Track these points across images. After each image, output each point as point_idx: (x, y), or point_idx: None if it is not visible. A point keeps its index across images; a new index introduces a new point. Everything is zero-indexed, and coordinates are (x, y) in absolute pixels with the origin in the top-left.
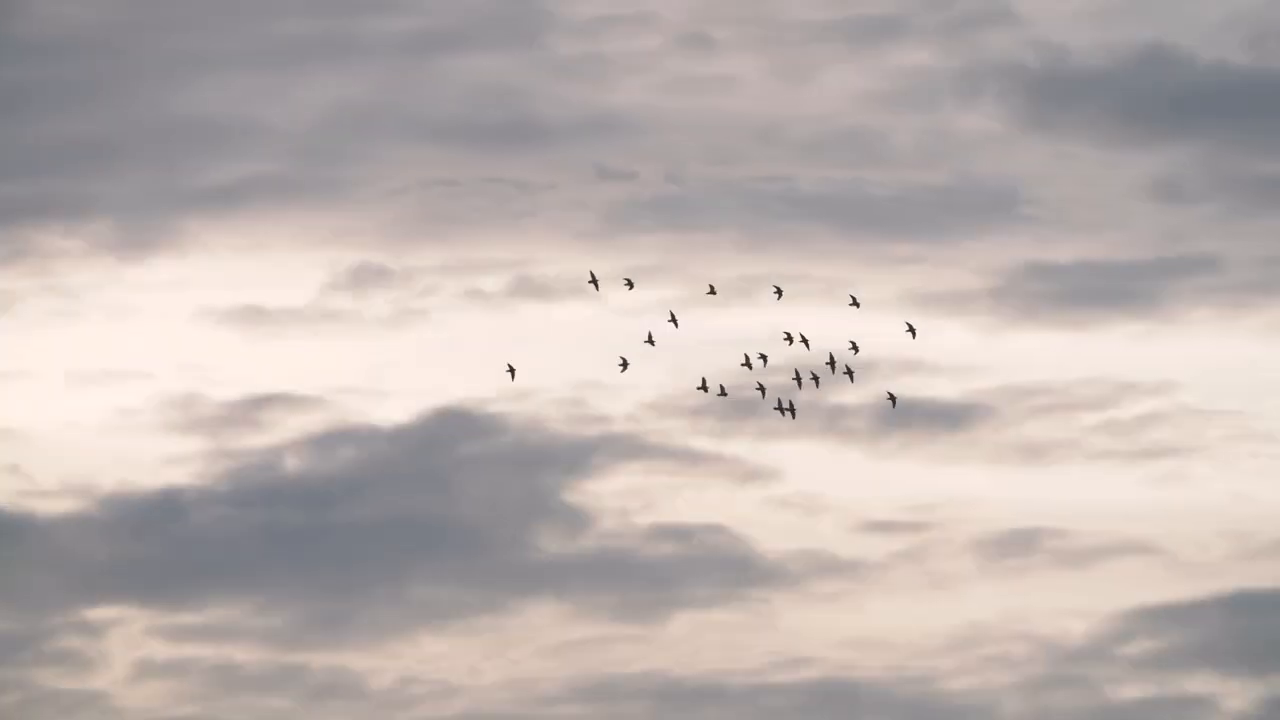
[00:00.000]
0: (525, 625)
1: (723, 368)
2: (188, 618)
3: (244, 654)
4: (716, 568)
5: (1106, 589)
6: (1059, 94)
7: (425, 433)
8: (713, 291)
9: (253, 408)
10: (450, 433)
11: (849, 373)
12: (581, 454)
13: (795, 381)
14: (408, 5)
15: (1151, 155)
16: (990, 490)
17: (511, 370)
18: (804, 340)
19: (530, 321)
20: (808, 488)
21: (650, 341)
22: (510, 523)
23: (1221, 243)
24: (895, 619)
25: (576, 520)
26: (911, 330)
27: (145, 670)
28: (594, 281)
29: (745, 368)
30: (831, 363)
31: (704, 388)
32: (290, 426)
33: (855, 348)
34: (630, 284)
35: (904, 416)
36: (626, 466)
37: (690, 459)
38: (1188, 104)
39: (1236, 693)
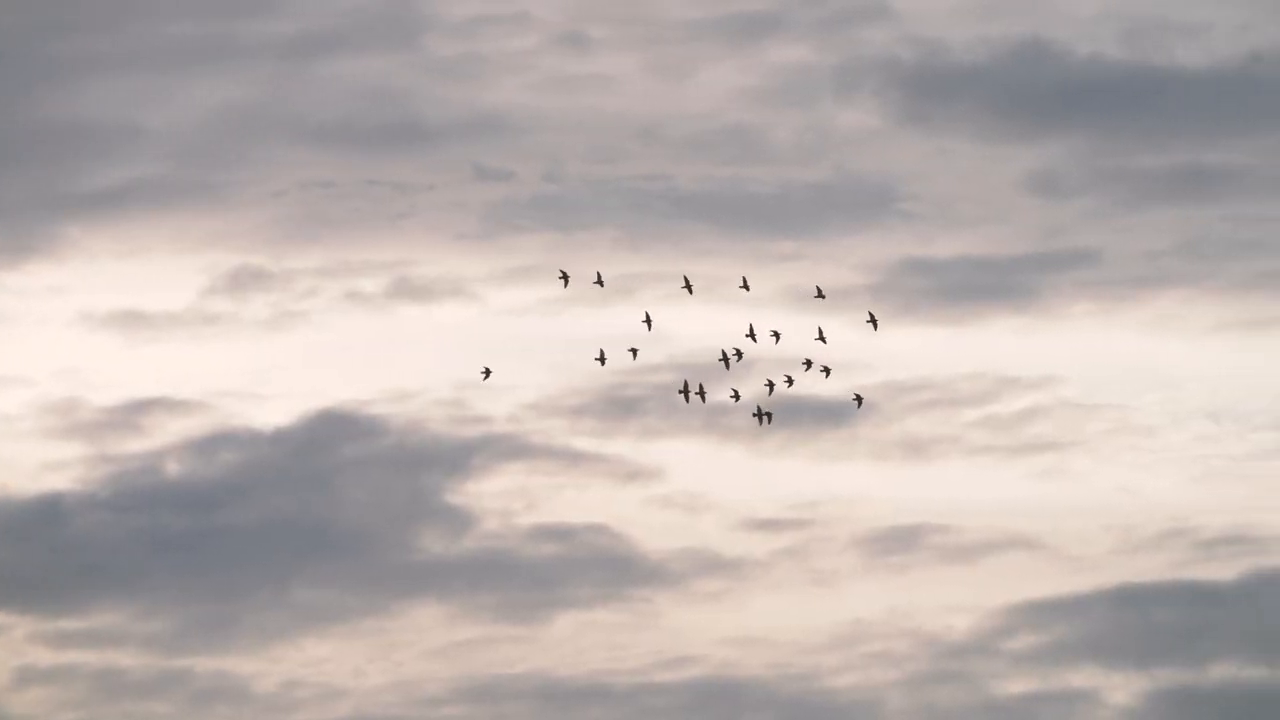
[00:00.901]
0: (409, 627)
1: (600, 367)
2: (70, 624)
3: (127, 659)
4: (599, 567)
5: (990, 584)
6: (937, 89)
7: (306, 435)
8: (599, 282)
9: (133, 412)
10: (331, 435)
11: (825, 371)
12: (463, 455)
13: (768, 385)
14: (285, 8)
15: (1030, 150)
16: (872, 487)
17: (486, 372)
18: (775, 335)
19: (410, 323)
20: (689, 486)
21: (633, 350)
22: (392, 524)
23: (1101, 237)
24: (778, 617)
25: (458, 521)
26: (822, 337)
27: (27, 677)
28: (564, 278)
29: (721, 363)
30: (808, 364)
31: (684, 391)
32: (171, 430)
33: (822, 337)
34: (600, 281)
35: (785, 414)
36: (508, 467)
37: (571, 459)
38: (1065, 98)
39: (1120, 686)
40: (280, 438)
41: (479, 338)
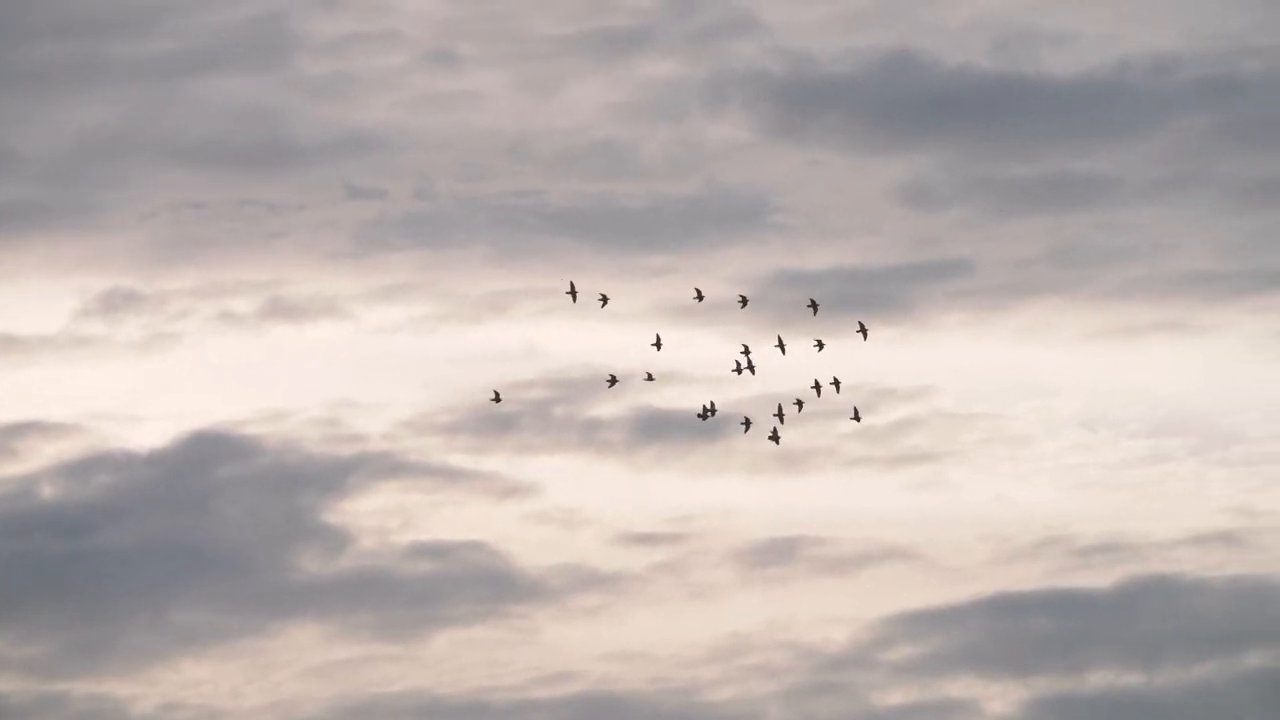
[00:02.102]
0: (287, 647)
1: (475, 383)
2: None
3: (3, 684)
4: (477, 585)
5: (867, 595)
6: (807, 101)
7: (181, 456)
8: (604, 301)
9: (7, 436)
10: (207, 456)
11: (835, 384)
12: (338, 474)
13: (777, 416)
14: (155, 29)
15: (901, 160)
16: (749, 500)
17: (658, 341)
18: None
19: (284, 342)
20: (566, 502)
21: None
22: (269, 545)
23: (973, 246)
24: (657, 631)
25: (335, 540)
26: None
27: None
28: (572, 293)
29: (735, 373)
30: (817, 387)
31: (705, 414)
32: (45, 454)
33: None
34: (604, 300)
35: (660, 427)
36: (384, 485)
37: (448, 476)
38: (935, 109)
39: (998, 695)
40: (155, 459)
41: (353, 356)
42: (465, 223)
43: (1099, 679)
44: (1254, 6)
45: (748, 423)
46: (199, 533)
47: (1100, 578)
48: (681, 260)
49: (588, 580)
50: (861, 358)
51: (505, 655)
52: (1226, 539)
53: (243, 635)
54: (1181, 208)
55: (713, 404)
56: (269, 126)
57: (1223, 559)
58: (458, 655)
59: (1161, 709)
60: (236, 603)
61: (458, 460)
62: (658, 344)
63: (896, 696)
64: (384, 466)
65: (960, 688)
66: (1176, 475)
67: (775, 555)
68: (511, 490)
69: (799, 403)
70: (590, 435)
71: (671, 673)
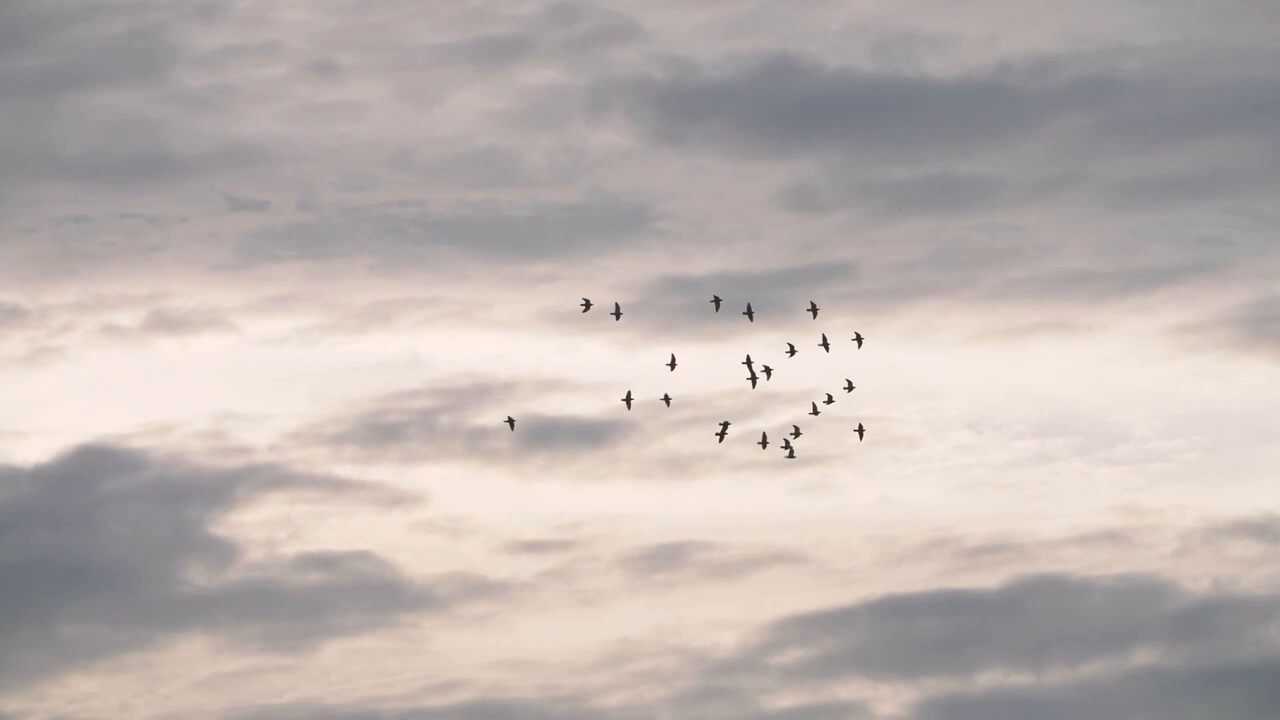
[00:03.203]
0: (175, 660)
1: (360, 394)
2: None
3: None
4: (365, 594)
5: (756, 599)
6: (688, 108)
7: (66, 471)
8: (617, 314)
9: None
10: (92, 470)
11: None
12: (225, 486)
13: (793, 432)
14: (33, 43)
15: (783, 165)
16: (636, 506)
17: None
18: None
19: (168, 355)
20: (453, 510)
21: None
22: (156, 558)
23: (856, 249)
24: (546, 638)
25: (223, 553)
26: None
27: None
28: (586, 305)
29: (749, 381)
30: (829, 399)
31: (764, 443)
32: None
33: (850, 386)
34: (618, 313)
35: (547, 435)
36: (271, 497)
37: (334, 486)
38: (816, 113)
39: (888, 697)
40: (40, 474)
41: (237, 368)
42: (348, 233)
43: (988, 679)
44: (1131, 7)
45: (765, 439)
46: (86, 547)
47: (988, 578)
48: (565, 268)
49: (476, 588)
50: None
51: (394, 664)
52: (1113, 538)
53: (131, 649)
54: (1063, 208)
55: (726, 424)
56: (149, 139)
57: (1109, 558)
58: (347, 665)
59: (1050, 707)
60: (124, 616)
61: (344, 471)
62: (672, 364)
63: (786, 699)
64: (270, 478)
65: (850, 689)
66: (1062, 475)
67: (663, 561)
68: (398, 500)
69: (815, 409)
70: (476, 444)
71: (561, 679)
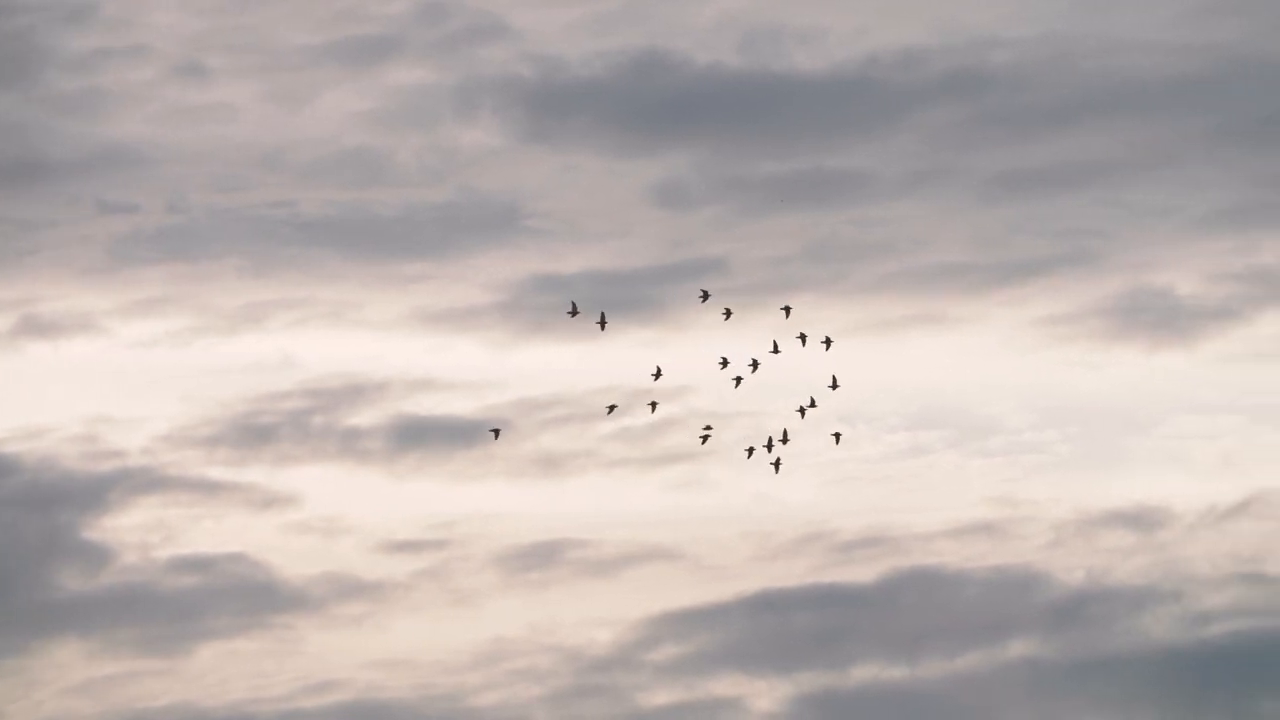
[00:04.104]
0: (49, 665)
1: (232, 396)
2: None
3: None
4: (239, 597)
5: (631, 596)
6: (557, 105)
7: None
8: (602, 324)
9: None
10: None
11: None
12: (98, 490)
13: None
14: None
15: (653, 161)
16: (510, 504)
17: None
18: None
19: (39, 359)
20: (327, 511)
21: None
22: (29, 563)
23: (727, 245)
24: (421, 638)
25: (96, 557)
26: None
27: None
28: (573, 311)
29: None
30: (812, 403)
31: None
32: None
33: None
34: (603, 323)
35: (419, 435)
36: (144, 500)
37: (207, 489)
38: (686, 109)
39: (764, 692)
40: None
41: (109, 372)
42: (219, 235)
43: (863, 672)
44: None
45: (771, 442)
46: None
47: (862, 572)
48: (437, 267)
49: (350, 589)
50: (618, 358)
51: (270, 666)
52: (986, 529)
53: (4, 655)
54: (933, 201)
55: (709, 427)
56: (18, 143)
57: (983, 550)
58: (222, 667)
59: (926, 700)
60: None
61: (217, 473)
62: (657, 374)
63: (662, 696)
64: (143, 481)
65: (726, 686)
66: (935, 467)
67: (537, 559)
68: (271, 501)
69: (801, 409)
70: (349, 444)
71: (436, 679)
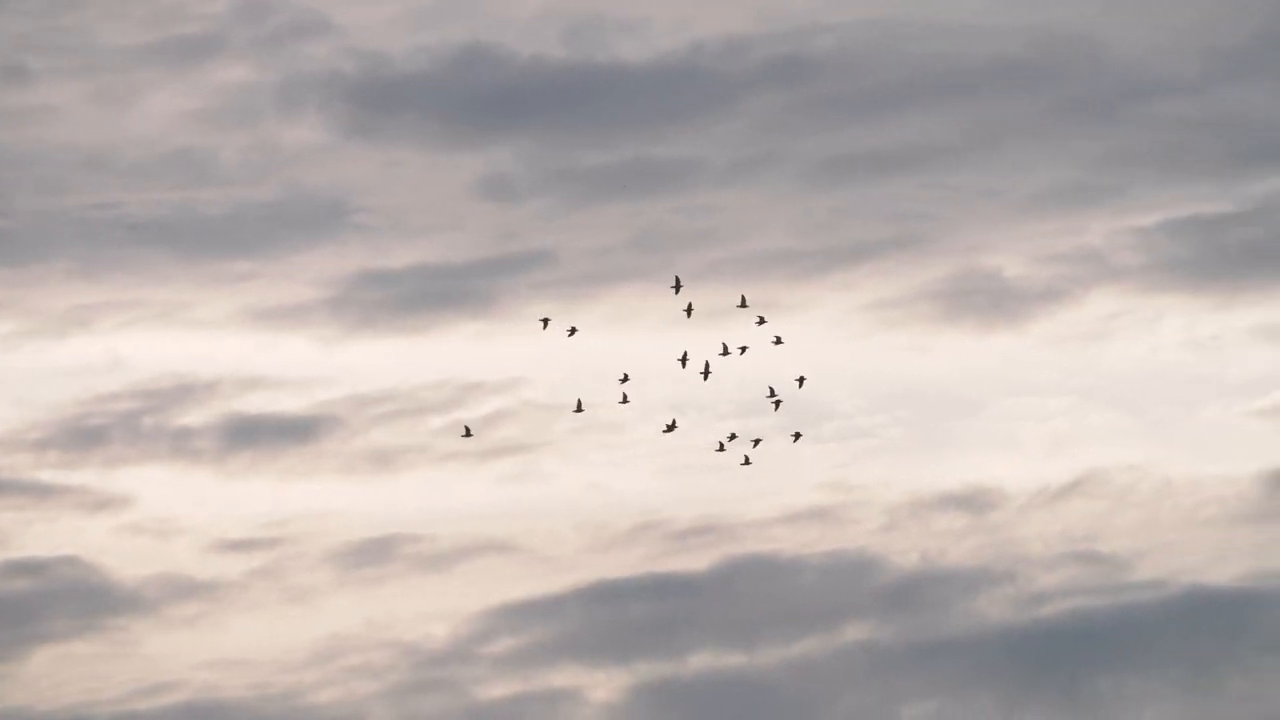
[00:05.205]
0: None
1: (62, 398)
2: None
3: None
4: (73, 600)
5: (466, 590)
6: (382, 101)
7: None
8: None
9: None
10: None
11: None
12: None
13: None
14: None
15: (479, 155)
16: (343, 501)
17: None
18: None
19: None
20: (159, 512)
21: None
22: None
23: (554, 237)
24: (257, 637)
25: None
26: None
27: None
28: (544, 321)
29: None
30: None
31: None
32: None
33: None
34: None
35: (251, 433)
36: None
37: (39, 492)
38: (511, 101)
39: (602, 683)
40: None
41: None
42: (46, 238)
43: (701, 660)
44: None
45: (723, 445)
46: None
47: (697, 560)
48: (264, 265)
49: (185, 589)
50: (448, 351)
51: (104, 669)
52: (820, 515)
53: None
54: (760, 188)
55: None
56: None
57: (817, 535)
58: (56, 671)
59: (763, 687)
60: None
61: (48, 476)
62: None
63: (500, 689)
64: None
65: (564, 677)
66: (768, 454)
67: (372, 555)
68: (104, 503)
69: (777, 402)
70: (180, 444)
71: (273, 678)
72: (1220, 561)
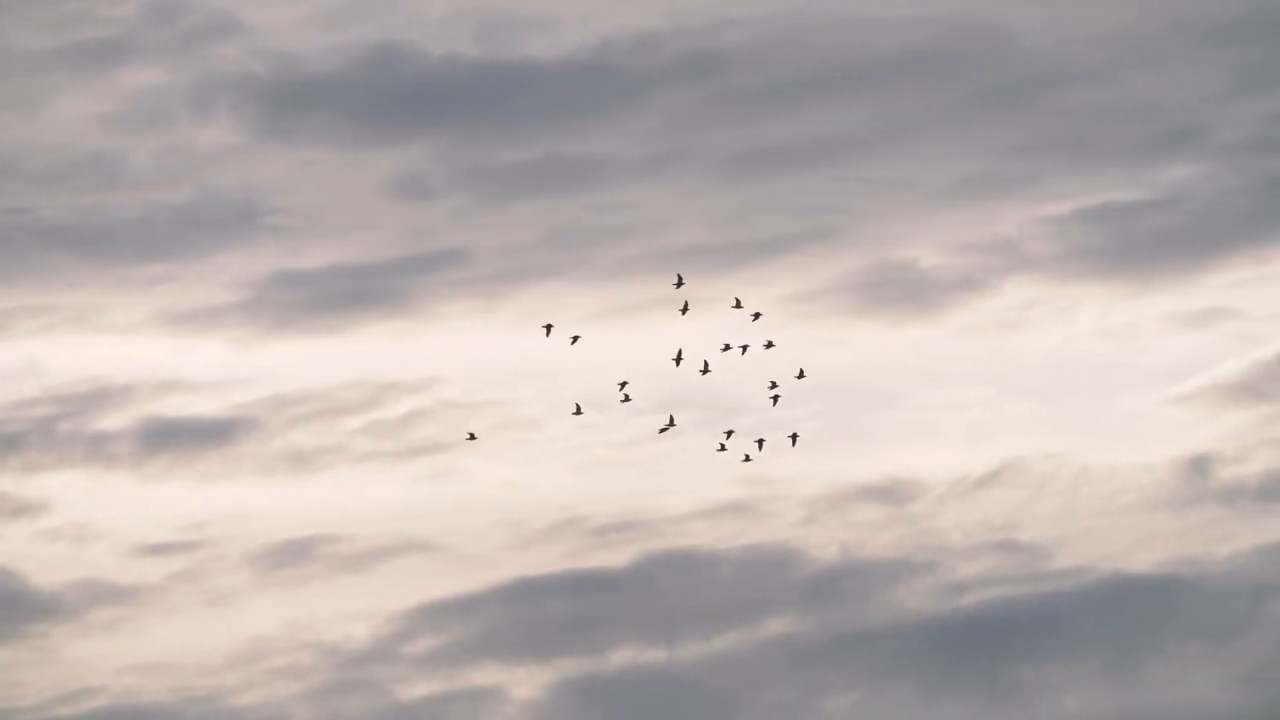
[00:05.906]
0: None
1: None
2: None
3: None
4: None
5: (386, 590)
6: (294, 101)
7: None
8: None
9: None
10: None
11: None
12: None
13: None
14: None
15: (392, 154)
16: (261, 503)
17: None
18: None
19: None
20: (77, 517)
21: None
22: None
23: (469, 235)
24: (177, 640)
25: None
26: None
27: None
28: (547, 328)
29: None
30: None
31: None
32: None
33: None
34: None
35: (168, 436)
36: None
37: None
38: (423, 100)
39: (524, 680)
40: None
41: None
42: None
43: (622, 656)
44: None
45: (724, 445)
46: None
47: (617, 556)
48: (178, 268)
49: (104, 594)
50: (365, 351)
51: (24, 675)
52: (738, 509)
53: None
54: (672, 183)
55: (671, 418)
56: None
57: (736, 529)
58: None
59: (685, 681)
60: None
61: None
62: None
63: (421, 688)
64: None
65: (485, 675)
66: (685, 449)
67: (291, 556)
68: (21, 509)
69: (775, 397)
70: (97, 449)
71: (194, 681)
72: (1139, 548)
